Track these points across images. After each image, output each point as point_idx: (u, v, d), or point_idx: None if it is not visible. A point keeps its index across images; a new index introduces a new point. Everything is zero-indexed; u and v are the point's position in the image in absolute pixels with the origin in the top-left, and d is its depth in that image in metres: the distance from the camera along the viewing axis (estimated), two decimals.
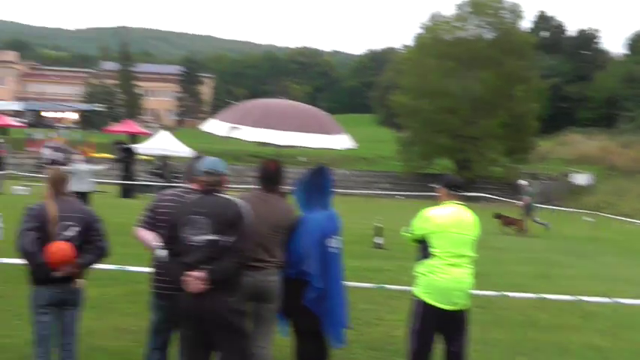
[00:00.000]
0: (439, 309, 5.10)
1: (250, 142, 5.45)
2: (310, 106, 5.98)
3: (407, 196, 38.81)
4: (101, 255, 4.86)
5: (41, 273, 4.56)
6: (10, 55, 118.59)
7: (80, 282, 4.81)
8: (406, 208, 23.29)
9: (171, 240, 4.33)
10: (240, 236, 4.25)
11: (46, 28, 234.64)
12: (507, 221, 22.51)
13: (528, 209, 23.38)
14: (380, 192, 41.22)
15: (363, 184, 44.56)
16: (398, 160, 48.95)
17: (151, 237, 4.68)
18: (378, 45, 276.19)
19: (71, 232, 4.59)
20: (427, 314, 5.15)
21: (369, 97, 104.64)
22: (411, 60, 52.24)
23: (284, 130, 5.10)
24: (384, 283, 9.03)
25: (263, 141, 5.25)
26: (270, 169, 5.11)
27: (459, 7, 50.16)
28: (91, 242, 4.74)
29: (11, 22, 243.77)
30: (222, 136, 5.26)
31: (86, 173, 17.67)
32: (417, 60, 49.93)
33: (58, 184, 4.73)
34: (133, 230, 4.83)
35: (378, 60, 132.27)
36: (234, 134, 5.07)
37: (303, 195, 5.22)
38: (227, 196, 4.39)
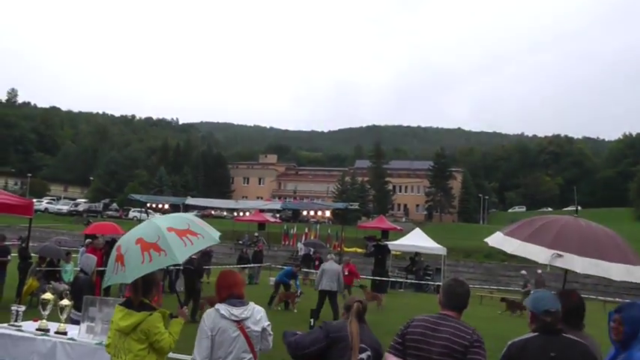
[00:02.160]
0: None
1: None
2: (607, 229, 5.33)
3: None
4: None
5: None
6: (271, 158, 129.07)
7: None
8: None
9: None
10: None
11: (302, 131, 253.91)
12: None
13: None
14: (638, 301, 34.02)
15: (627, 290, 37.17)
16: None
17: None
18: (635, 128, 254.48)
19: (364, 355, 4.53)
20: None
21: (627, 189, 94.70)
22: None
23: (607, 260, 4.78)
24: None
25: (586, 272, 4.83)
26: (573, 300, 4.58)
27: None
28: None
29: (271, 127, 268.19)
30: (541, 263, 4.97)
31: (336, 273, 17.11)
32: None
33: (361, 315, 4.68)
34: (385, 356, 4.38)
35: (635, 146, 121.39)
36: (557, 262, 4.78)
37: (628, 332, 4.31)
38: (577, 339, 4.03)
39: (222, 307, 4.83)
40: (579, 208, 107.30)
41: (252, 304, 5.00)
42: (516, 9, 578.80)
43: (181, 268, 16.60)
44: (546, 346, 4.00)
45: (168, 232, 5.21)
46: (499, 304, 28.29)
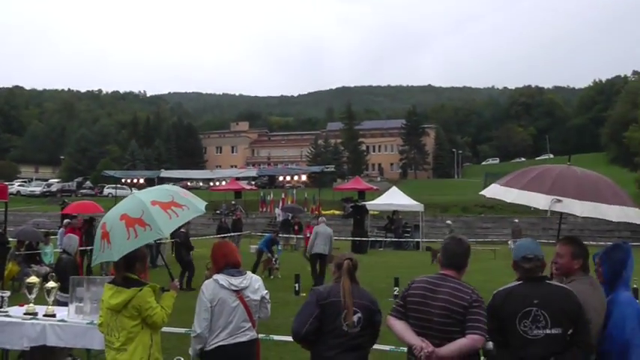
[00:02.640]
0: None
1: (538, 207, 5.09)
2: (601, 175, 5.59)
3: None
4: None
5: None
6: (242, 126, 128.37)
7: None
8: None
9: (501, 332, 4.09)
10: (580, 328, 4.02)
11: (272, 97, 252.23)
12: None
13: None
14: (620, 242, 35.14)
15: (601, 233, 38.46)
16: (637, 203, 42.22)
17: (402, 327, 4.23)
18: (604, 74, 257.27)
19: (355, 318, 4.49)
20: None
21: (599, 135, 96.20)
22: None
23: (604, 202, 4.94)
24: None
25: (585, 215, 4.98)
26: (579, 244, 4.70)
27: None
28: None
29: (240, 95, 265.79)
30: (534, 207, 5.11)
31: (328, 236, 17.23)
32: None
33: (352, 273, 4.63)
34: (387, 319, 4.34)
35: (605, 92, 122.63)
36: (557, 207, 4.87)
37: (608, 273, 4.58)
38: (560, 285, 4.15)
39: (221, 278, 4.85)
40: (552, 156, 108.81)
41: (249, 273, 5.02)
42: None
43: (162, 242, 16.58)
44: (529, 294, 4.06)
45: (152, 206, 5.15)
46: (478, 257, 28.84)
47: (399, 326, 4.23)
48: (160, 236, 5.21)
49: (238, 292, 4.81)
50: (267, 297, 5.05)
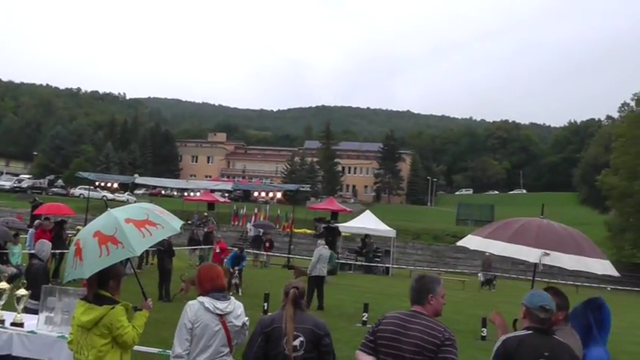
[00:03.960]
0: None
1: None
2: (572, 229, 5.85)
3: (616, 290, 35.69)
4: None
5: None
6: (220, 137, 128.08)
7: None
8: (617, 303, 20.21)
9: None
10: None
11: (251, 110, 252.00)
12: None
13: None
14: (587, 284, 36.11)
15: (569, 272, 39.08)
16: (607, 247, 42.98)
17: None
18: (579, 115, 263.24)
19: (297, 342, 4.62)
20: None
21: (571, 174, 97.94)
22: (623, 136, 48.08)
23: (585, 255, 5.24)
24: None
25: (573, 268, 5.28)
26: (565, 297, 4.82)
27: None
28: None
29: (219, 105, 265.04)
30: (531, 262, 5.26)
31: (327, 258, 17.72)
32: (629, 137, 45.81)
33: (297, 301, 4.77)
34: (356, 354, 4.34)
35: (580, 133, 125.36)
36: (546, 260, 5.13)
37: (582, 330, 4.76)
38: (563, 341, 4.17)
39: (207, 300, 4.83)
40: (524, 191, 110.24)
41: (233, 298, 5.02)
42: None
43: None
44: (540, 345, 4.09)
45: (125, 224, 5.11)
46: (447, 286, 28.97)
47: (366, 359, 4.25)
48: (132, 254, 5.16)
49: (222, 317, 4.81)
50: (248, 323, 5.05)
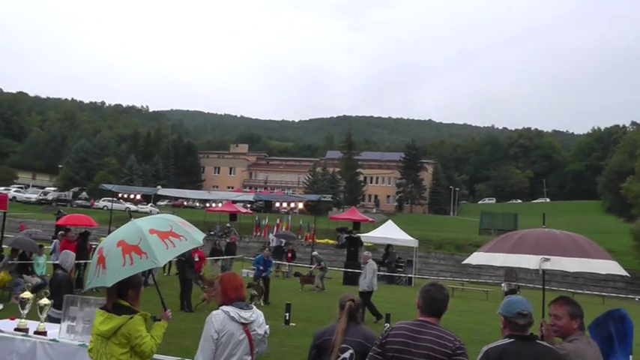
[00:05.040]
0: None
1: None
2: (573, 234, 5.88)
3: None
4: None
5: None
6: (242, 148, 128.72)
7: None
8: None
9: None
10: None
11: (273, 121, 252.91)
12: None
13: None
14: (613, 294, 35.61)
15: (595, 282, 38.70)
16: (633, 256, 42.28)
17: None
18: (603, 122, 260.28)
19: (347, 354, 4.72)
20: None
21: (595, 182, 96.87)
22: None
23: (588, 257, 5.26)
24: None
25: (575, 270, 5.29)
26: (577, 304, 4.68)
27: None
28: None
29: (241, 116, 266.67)
30: (532, 269, 5.37)
31: (373, 272, 17.60)
32: None
33: (352, 314, 4.94)
34: None
35: (604, 140, 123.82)
36: (547, 265, 5.18)
37: (602, 342, 4.83)
38: (550, 346, 4.14)
39: (231, 310, 4.86)
40: (548, 200, 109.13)
41: (254, 307, 5.07)
42: (489, 3, 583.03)
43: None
44: (523, 353, 4.04)
45: (150, 235, 5.16)
46: (470, 296, 28.73)
47: None
48: (155, 265, 5.19)
49: (246, 326, 4.85)
50: (268, 332, 5.13)
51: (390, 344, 4.17)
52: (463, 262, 6.51)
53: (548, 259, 5.14)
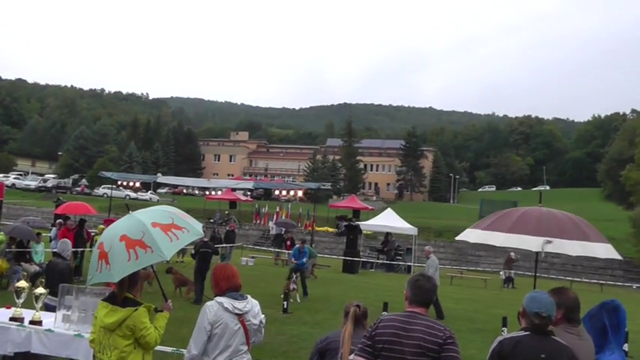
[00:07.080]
0: None
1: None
2: (572, 214, 5.77)
3: None
4: None
5: None
6: (242, 135, 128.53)
7: None
8: None
9: None
10: None
11: (273, 108, 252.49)
12: None
13: None
14: (611, 282, 35.59)
15: (594, 270, 38.76)
16: (631, 243, 42.26)
17: None
18: (604, 110, 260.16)
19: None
20: None
21: (595, 170, 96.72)
22: None
23: (589, 240, 5.21)
24: None
25: (577, 254, 5.22)
26: (571, 297, 4.55)
27: None
28: None
29: (242, 104, 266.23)
30: (535, 251, 5.29)
31: (436, 267, 16.96)
32: None
33: (358, 320, 4.84)
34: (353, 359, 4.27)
35: (604, 128, 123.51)
36: (549, 248, 5.11)
37: (596, 333, 4.76)
38: (564, 342, 4.08)
39: (225, 301, 4.86)
40: (548, 187, 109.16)
41: (249, 297, 5.04)
42: None
43: None
44: (537, 347, 4.04)
45: (152, 228, 5.11)
46: (469, 284, 28.76)
47: None
48: (161, 259, 5.14)
49: (240, 316, 4.84)
50: (264, 322, 5.11)
51: (380, 336, 4.14)
52: (457, 238, 6.23)
53: (550, 242, 5.10)
